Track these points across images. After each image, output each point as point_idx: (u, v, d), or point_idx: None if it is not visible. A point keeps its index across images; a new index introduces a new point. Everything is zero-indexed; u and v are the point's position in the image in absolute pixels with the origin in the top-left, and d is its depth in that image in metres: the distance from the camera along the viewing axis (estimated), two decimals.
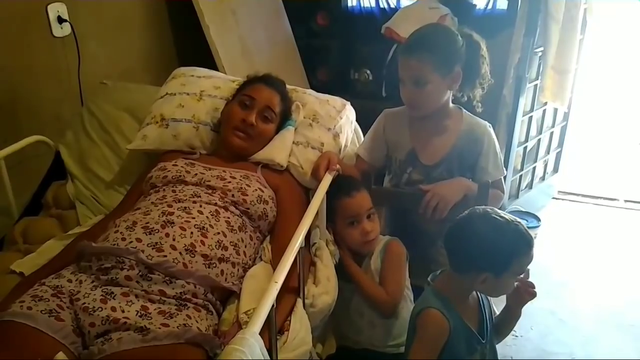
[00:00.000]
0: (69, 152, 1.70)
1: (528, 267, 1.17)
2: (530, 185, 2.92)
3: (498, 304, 1.30)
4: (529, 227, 1.15)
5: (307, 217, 1.20)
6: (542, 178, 3.03)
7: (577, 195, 3.16)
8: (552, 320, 2.16)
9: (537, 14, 2.33)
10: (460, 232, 1.18)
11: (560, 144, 3.03)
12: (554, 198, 3.13)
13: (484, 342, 1.21)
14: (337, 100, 1.72)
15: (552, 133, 2.93)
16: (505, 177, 1.57)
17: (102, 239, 1.20)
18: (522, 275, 1.19)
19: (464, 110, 1.52)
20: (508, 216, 1.15)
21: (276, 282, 0.96)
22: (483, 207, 1.20)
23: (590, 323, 2.15)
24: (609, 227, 2.86)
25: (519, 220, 1.14)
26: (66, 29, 1.95)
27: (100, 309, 1.04)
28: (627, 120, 4.14)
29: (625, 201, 3.10)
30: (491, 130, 1.51)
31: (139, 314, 1.04)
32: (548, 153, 2.97)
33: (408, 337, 1.26)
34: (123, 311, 1.04)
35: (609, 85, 4.25)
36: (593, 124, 3.97)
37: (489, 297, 1.27)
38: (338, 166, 1.47)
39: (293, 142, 1.58)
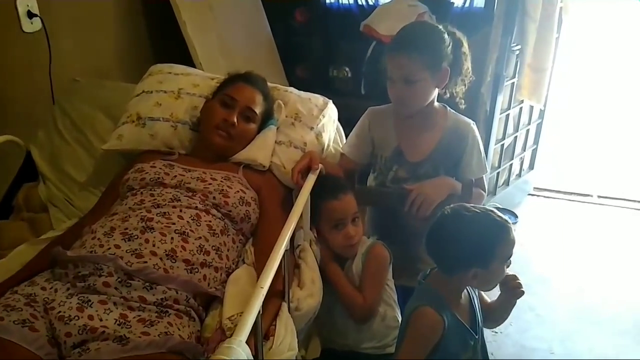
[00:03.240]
0: (41, 152, 1.65)
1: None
2: (507, 182, 2.96)
3: (491, 295, 1.31)
4: None
5: (292, 219, 1.18)
6: (519, 175, 3.07)
7: (552, 191, 3.21)
8: (531, 316, 2.19)
9: (515, 13, 2.36)
10: (436, 236, 1.18)
11: (536, 141, 3.08)
12: (529, 194, 3.17)
13: (476, 337, 1.22)
14: (319, 99, 1.70)
15: (528, 130, 2.97)
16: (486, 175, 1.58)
17: (78, 246, 1.16)
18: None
19: (449, 108, 1.52)
20: (478, 207, 1.16)
21: (262, 288, 0.94)
22: (451, 205, 1.20)
23: (568, 318, 2.19)
24: (584, 223, 2.92)
25: (490, 208, 1.16)
26: (36, 24, 1.87)
27: (76, 318, 1.00)
28: (600, 117, 4.24)
29: (599, 197, 3.17)
30: (475, 128, 1.51)
31: (117, 322, 1.01)
32: (524, 150, 3.01)
33: (399, 335, 1.25)
34: (101, 320, 1.01)
35: (582, 83, 4.34)
36: (567, 121, 4.04)
37: (476, 290, 1.27)
38: (321, 165, 1.45)
39: (275, 142, 1.55)
